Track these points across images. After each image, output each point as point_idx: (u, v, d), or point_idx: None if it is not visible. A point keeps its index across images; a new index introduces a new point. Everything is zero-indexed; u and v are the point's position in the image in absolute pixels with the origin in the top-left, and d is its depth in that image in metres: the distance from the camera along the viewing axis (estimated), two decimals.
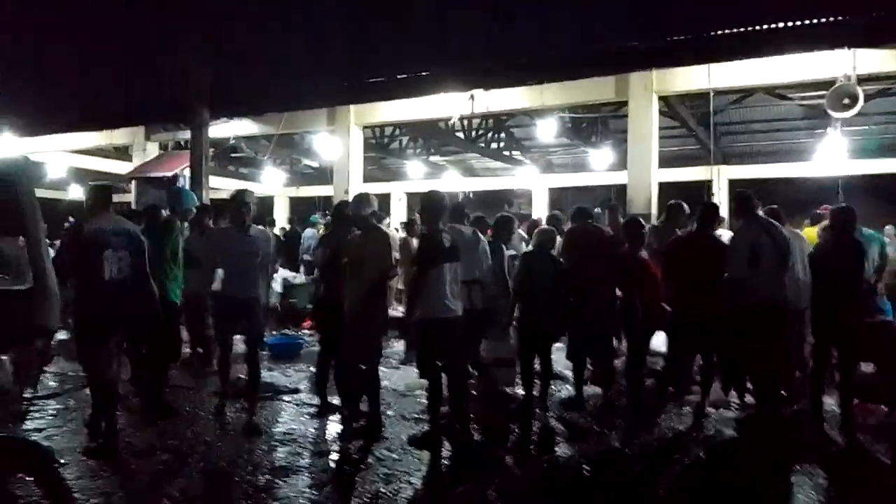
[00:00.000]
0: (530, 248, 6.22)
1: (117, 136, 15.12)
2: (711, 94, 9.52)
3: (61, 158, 17.13)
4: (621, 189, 11.32)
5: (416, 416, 5.54)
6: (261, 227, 6.04)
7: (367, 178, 14.32)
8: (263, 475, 4.27)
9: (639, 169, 9.97)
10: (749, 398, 5.78)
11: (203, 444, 4.86)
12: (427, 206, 5.09)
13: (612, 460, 4.72)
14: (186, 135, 10.92)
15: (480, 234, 5.84)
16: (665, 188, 10.47)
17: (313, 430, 5.20)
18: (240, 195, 5.44)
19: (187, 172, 10.31)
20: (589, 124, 14.67)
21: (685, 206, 6.66)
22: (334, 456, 4.71)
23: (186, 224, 7.34)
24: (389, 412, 5.62)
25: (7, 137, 13.54)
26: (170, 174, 11.53)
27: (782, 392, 5.57)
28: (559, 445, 5.05)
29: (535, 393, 5.81)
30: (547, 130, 13.31)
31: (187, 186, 10.07)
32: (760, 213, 5.64)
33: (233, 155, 17.84)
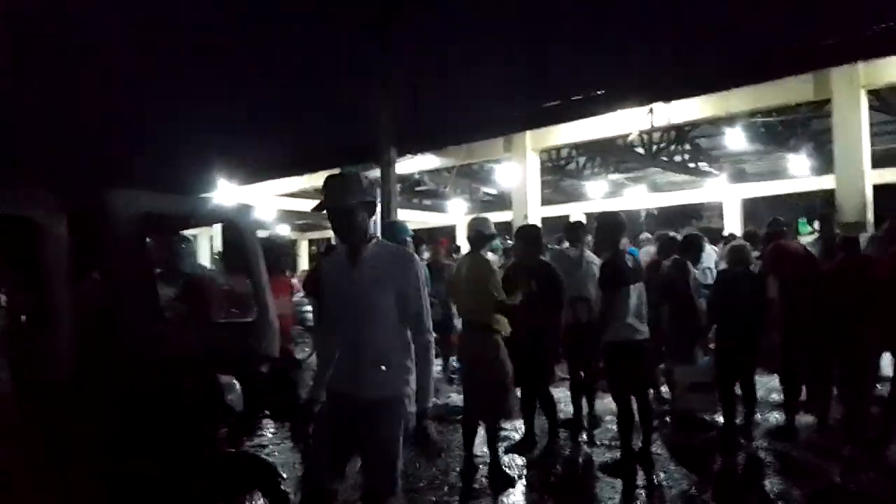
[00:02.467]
0: (723, 266, 5.87)
1: (317, 179, 16.68)
2: None
3: (270, 202, 19.15)
4: (827, 196, 10.27)
5: (607, 442, 5.43)
6: (392, 242, 3.22)
7: (545, 202, 14.33)
8: (456, 498, 4.41)
9: (848, 172, 8.99)
10: None
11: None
12: (603, 228, 5.02)
13: (830, 500, 4.26)
14: (376, 173, 11.74)
15: (590, 256, 5.78)
16: (881, 191, 9.32)
17: (505, 456, 5.21)
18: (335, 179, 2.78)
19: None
20: (785, 127, 13.51)
21: None
22: (525, 483, 4.73)
23: None
24: (580, 438, 5.59)
25: (225, 185, 15.48)
26: None
27: None
28: (767, 479, 4.64)
29: (737, 421, 5.42)
30: (736, 138, 12.48)
31: (378, 221, 10.74)
32: None
33: (417, 188, 18.83)
